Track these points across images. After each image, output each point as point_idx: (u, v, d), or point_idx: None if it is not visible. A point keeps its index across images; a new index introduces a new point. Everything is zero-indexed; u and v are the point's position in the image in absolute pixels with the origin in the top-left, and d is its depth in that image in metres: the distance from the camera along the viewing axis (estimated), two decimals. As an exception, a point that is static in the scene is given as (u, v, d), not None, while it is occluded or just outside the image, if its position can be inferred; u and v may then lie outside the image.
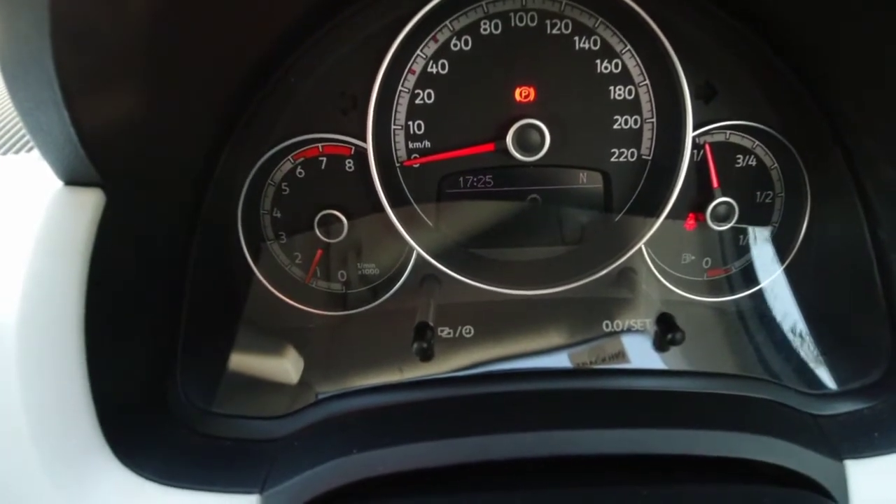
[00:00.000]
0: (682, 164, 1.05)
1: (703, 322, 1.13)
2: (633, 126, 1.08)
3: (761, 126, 1.07)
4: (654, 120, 1.07)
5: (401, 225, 1.06)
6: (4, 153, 1.20)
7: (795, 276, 1.12)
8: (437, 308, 1.03)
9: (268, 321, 1.10)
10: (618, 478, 0.75)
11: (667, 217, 1.08)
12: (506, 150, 1.05)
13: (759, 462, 0.74)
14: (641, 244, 1.09)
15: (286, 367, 1.05)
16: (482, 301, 1.09)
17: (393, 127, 1.06)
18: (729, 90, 1.06)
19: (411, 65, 1.03)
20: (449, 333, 1.09)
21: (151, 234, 0.88)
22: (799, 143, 1.07)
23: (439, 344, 1.02)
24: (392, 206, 1.06)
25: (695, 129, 1.04)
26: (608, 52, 1.04)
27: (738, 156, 1.10)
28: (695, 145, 1.06)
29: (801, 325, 1.09)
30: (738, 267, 1.15)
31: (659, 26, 0.99)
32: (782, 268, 1.13)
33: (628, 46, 1.04)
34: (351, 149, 1.06)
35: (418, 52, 1.03)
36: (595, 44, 1.04)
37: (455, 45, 1.03)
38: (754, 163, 1.10)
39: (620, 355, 1.09)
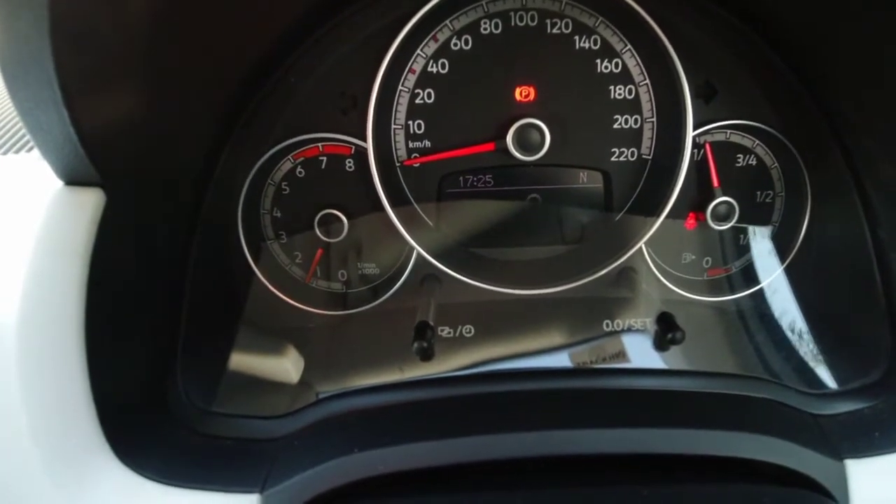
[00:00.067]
0: (682, 164, 1.05)
1: (704, 321, 1.13)
2: (634, 125, 1.08)
3: (761, 125, 1.07)
4: (654, 119, 1.07)
5: (401, 224, 1.06)
6: (4, 153, 1.20)
7: (795, 276, 1.12)
8: (438, 307, 1.03)
9: (268, 321, 1.10)
10: (618, 477, 0.75)
11: (667, 216, 1.08)
12: (506, 150, 1.05)
13: (759, 461, 0.74)
14: (642, 244, 1.09)
15: (286, 366, 1.05)
16: (482, 300, 1.09)
17: (393, 126, 1.06)
18: (729, 90, 1.06)
19: (411, 64, 1.03)
20: (449, 333, 1.09)
21: (152, 233, 0.88)
22: (799, 142, 1.07)
23: (439, 343, 1.02)
24: (392, 206, 1.06)
25: (695, 128, 1.04)
26: (608, 52, 1.04)
27: (739, 155, 1.10)
28: (695, 145, 1.06)
29: (802, 325, 1.09)
30: (738, 266, 1.15)
31: (659, 26, 0.99)
32: (782, 267, 1.13)
33: (628, 46, 1.04)
34: (351, 148, 1.06)
35: (418, 51, 1.03)
36: (595, 43, 1.03)
37: (455, 45, 1.03)
38: (754, 162, 1.10)
39: (621, 355, 1.09)
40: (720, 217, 1.09)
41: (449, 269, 1.07)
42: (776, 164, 1.10)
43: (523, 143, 1.04)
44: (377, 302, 1.12)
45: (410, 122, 1.06)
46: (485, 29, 1.02)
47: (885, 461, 0.78)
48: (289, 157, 1.07)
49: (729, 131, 1.08)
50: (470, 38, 1.03)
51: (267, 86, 1.02)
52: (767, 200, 1.12)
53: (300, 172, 1.08)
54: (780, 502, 0.73)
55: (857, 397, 0.93)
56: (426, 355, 0.93)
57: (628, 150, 1.09)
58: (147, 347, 0.88)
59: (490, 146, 1.06)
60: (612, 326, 1.11)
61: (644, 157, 1.10)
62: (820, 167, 1.07)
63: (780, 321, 1.11)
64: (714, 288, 1.15)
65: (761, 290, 1.14)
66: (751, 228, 1.14)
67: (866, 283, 0.99)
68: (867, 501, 0.76)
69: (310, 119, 1.05)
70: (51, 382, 0.69)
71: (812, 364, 1.03)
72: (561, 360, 1.10)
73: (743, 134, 1.08)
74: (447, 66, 1.04)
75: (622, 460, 0.76)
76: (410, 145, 1.08)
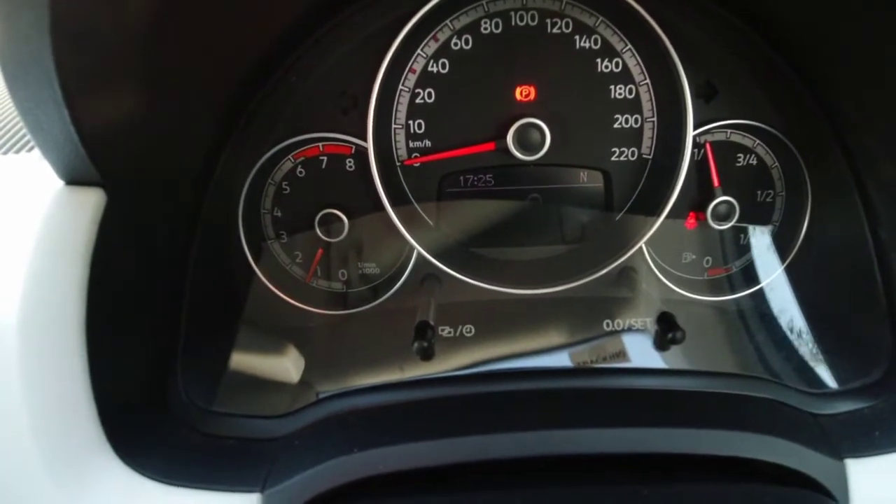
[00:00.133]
0: (682, 164, 1.05)
1: (704, 321, 1.13)
2: (634, 125, 1.08)
3: (762, 125, 1.07)
4: (654, 119, 1.07)
5: (401, 224, 1.06)
6: (5, 153, 1.20)
7: (796, 276, 1.12)
8: (438, 307, 1.03)
9: (268, 320, 1.10)
10: (618, 477, 0.75)
11: (667, 216, 1.08)
12: (506, 150, 1.05)
13: (759, 461, 0.74)
14: (642, 243, 1.09)
15: (287, 366, 1.05)
16: (483, 300, 1.09)
17: (393, 126, 1.06)
18: (729, 89, 1.06)
19: (412, 64, 1.03)
20: (449, 332, 1.09)
21: (152, 233, 0.88)
22: (799, 142, 1.07)
23: (440, 343, 1.02)
24: (392, 206, 1.06)
25: (695, 128, 1.04)
26: (609, 52, 1.04)
27: (739, 155, 1.10)
28: (695, 144, 1.06)
29: (802, 324, 1.09)
30: (738, 266, 1.15)
31: (659, 25, 0.99)
32: (783, 267, 1.13)
33: (629, 45, 1.04)
34: (351, 148, 1.06)
35: (419, 51, 1.03)
36: (596, 43, 1.03)
37: (455, 44, 1.03)
38: (755, 162, 1.10)
39: (621, 354, 1.09)
40: (720, 217, 1.09)
41: (449, 268, 1.07)
42: (777, 164, 1.10)
43: (524, 142, 1.04)
44: (377, 301, 1.12)
45: (411, 122, 1.06)
46: (485, 28, 1.02)
47: (886, 461, 0.78)
48: (289, 156, 1.07)
49: (729, 131, 1.08)
50: (470, 38, 1.03)
51: (267, 86, 1.02)
52: (768, 200, 1.12)
53: (301, 172, 1.08)
54: (780, 502, 0.73)
55: (857, 397, 0.93)
56: (426, 355, 0.93)
57: (629, 149, 1.09)
58: (148, 347, 0.88)
59: (490, 146, 1.06)
60: (613, 326, 1.11)
61: (644, 156, 1.10)
62: (820, 167, 1.07)
63: (781, 321, 1.11)
64: (714, 287, 1.15)
65: (762, 289, 1.14)
66: (751, 228, 1.14)
67: (867, 282, 0.99)
68: (867, 501, 0.76)
69: (310, 119, 1.05)
70: (51, 382, 0.70)
71: (812, 364, 1.03)
72: (561, 359, 1.10)
73: (743, 133, 1.08)
74: (447, 66, 1.04)
75: (622, 460, 0.76)
76: (411, 145, 1.08)
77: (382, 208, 1.06)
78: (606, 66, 1.05)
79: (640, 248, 1.09)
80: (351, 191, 1.08)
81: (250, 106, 1.02)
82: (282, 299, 1.10)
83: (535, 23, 1.02)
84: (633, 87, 1.06)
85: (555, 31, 1.03)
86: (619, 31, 1.03)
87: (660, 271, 1.13)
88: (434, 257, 1.07)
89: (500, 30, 1.02)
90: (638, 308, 1.10)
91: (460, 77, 1.04)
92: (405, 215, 1.08)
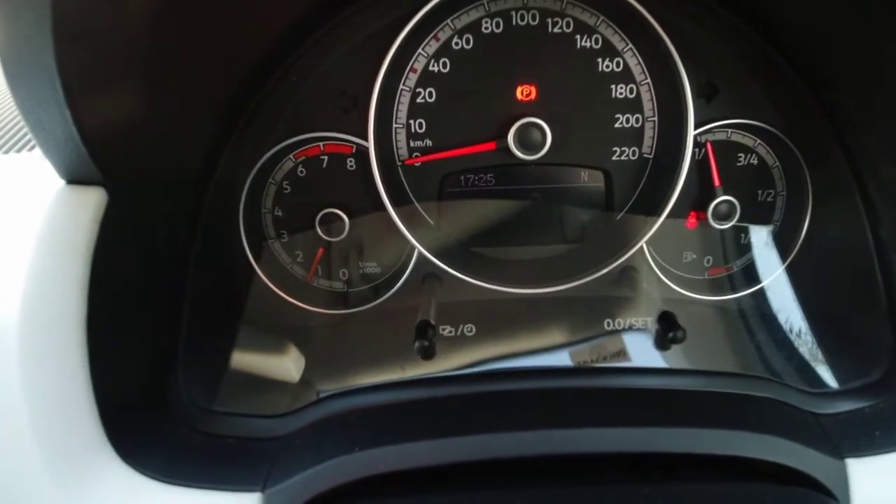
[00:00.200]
0: (683, 163, 1.05)
1: (705, 321, 1.13)
2: (635, 125, 1.08)
3: (763, 125, 1.07)
4: (655, 118, 1.07)
5: (402, 223, 1.06)
6: (6, 152, 1.20)
7: (797, 275, 1.12)
8: (439, 306, 1.03)
9: (269, 320, 1.10)
10: (619, 476, 0.75)
11: (668, 216, 1.07)
12: (507, 149, 1.05)
13: (760, 460, 0.74)
14: (643, 243, 1.09)
15: (287, 365, 1.06)
16: (483, 299, 1.09)
17: (394, 126, 1.06)
18: (730, 89, 1.06)
19: (412, 63, 1.03)
20: (450, 332, 1.09)
21: (153, 232, 0.88)
22: (800, 141, 1.07)
23: (441, 342, 1.02)
24: (393, 205, 1.06)
25: (696, 127, 1.04)
26: (609, 51, 1.04)
27: (740, 154, 1.10)
28: (696, 144, 1.06)
29: (803, 324, 1.09)
30: (739, 265, 1.15)
31: (660, 25, 0.99)
32: (783, 266, 1.13)
33: (630, 45, 1.04)
34: (352, 147, 1.06)
35: (419, 50, 1.03)
36: (596, 42, 1.03)
37: (456, 44, 1.03)
38: (756, 161, 1.10)
39: (621, 354, 1.09)
40: (721, 216, 1.09)
41: (450, 268, 1.07)
42: (777, 164, 1.10)
43: (524, 142, 1.04)
44: (378, 301, 1.12)
45: (412, 122, 1.06)
46: (486, 28, 1.02)
47: (886, 460, 0.78)
48: (290, 156, 1.07)
49: (730, 130, 1.08)
50: (471, 38, 1.03)
51: (267, 85, 1.02)
52: (769, 200, 1.12)
53: (301, 172, 1.08)
54: (780, 501, 0.73)
55: (857, 396, 0.93)
56: (427, 354, 0.93)
57: (629, 149, 1.09)
58: (148, 346, 0.88)
59: (491, 145, 1.06)
60: (613, 325, 1.11)
61: (645, 156, 1.09)
62: (821, 167, 1.07)
63: (781, 320, 1.11)
64: (715, 287, 1.15)
65: (762, 289, 1.14)
66: (752, 228, 1.13)
67: (867, 282, 0.99)
68: (868, 500, 0.76)
69: (311, 118, 1.05)
70: (52, 381, 0.70)
71: (813, 363, 1.03)
72: (562, 358, 1.10)
73: (744, 133, 1.08)
74: (448, 66, 1.04)
75: (623, 459, 0.76)
76: (412, 144, 1.08)
77: (383, 208, 1.05)
78: (607, 66, 1.04)
79: (641, 247, 1.09)
80: (352, 190, 1.08)
81: (251, 106, 1.02)
82: (282, 299, 1.10)
83: (535, 22, 1.02)
84: (633, 86, 1.06)
85: (556, 30, 1.03)
86: (619, 31, 1.03)
87: (660, 271, 1.13)
88: (435, 257, 1.07)
89: (500, 29, 1.02)
90: (639, 307, 1.10)
91: (461, 76, 1.04)
92: (406, 215, 1.08)
